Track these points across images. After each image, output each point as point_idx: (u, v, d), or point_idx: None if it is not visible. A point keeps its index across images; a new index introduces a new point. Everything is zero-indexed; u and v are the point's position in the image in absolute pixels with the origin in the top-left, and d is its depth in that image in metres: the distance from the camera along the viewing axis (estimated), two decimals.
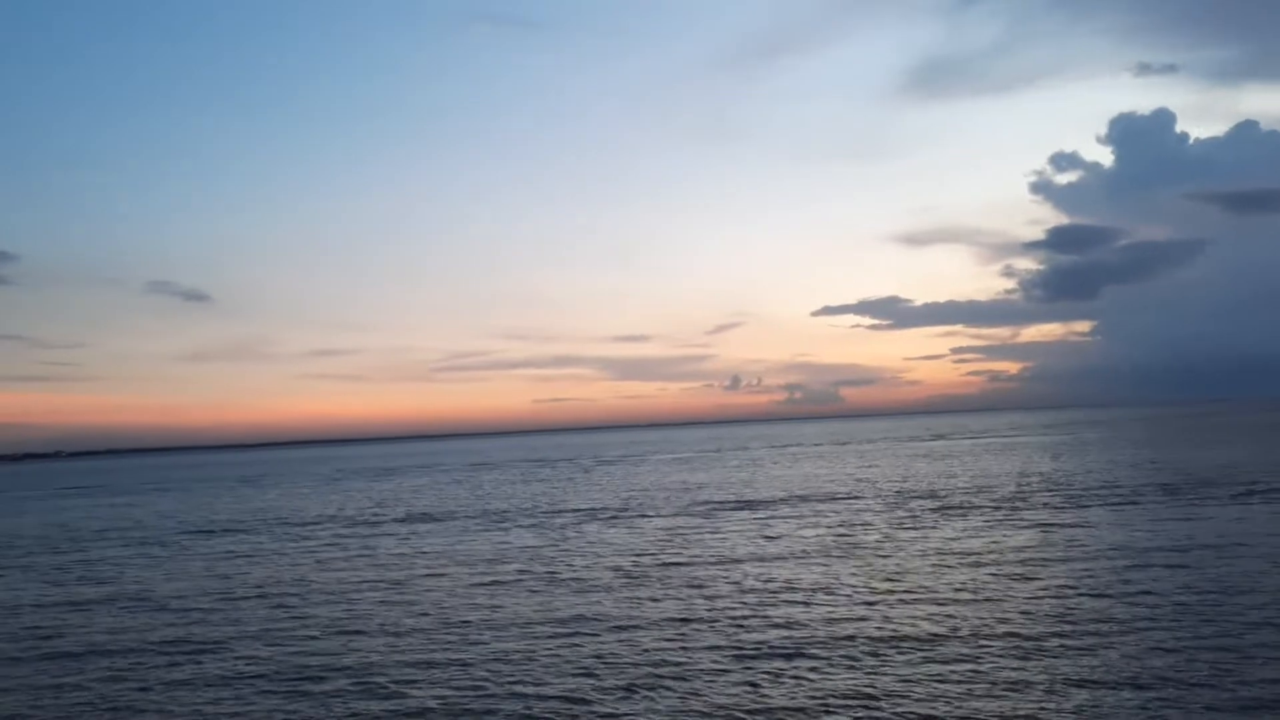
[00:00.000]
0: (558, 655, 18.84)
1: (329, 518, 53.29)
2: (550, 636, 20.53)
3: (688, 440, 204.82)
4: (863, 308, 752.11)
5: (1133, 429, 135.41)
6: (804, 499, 49.53)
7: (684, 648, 18.88)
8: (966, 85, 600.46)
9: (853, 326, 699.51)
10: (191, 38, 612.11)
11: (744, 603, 23.09)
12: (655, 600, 24.06)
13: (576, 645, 19.60)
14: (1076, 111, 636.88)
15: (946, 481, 56.29)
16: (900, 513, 40.80)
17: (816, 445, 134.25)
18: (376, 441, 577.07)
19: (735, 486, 61.11)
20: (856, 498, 48.83)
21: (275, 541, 42.41)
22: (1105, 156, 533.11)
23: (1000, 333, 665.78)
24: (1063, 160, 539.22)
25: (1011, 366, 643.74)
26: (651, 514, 45.82)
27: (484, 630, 21.51)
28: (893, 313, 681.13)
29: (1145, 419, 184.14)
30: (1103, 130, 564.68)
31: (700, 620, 21.33)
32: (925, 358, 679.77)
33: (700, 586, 25.61)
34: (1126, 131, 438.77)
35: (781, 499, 50.24)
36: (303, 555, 36.97)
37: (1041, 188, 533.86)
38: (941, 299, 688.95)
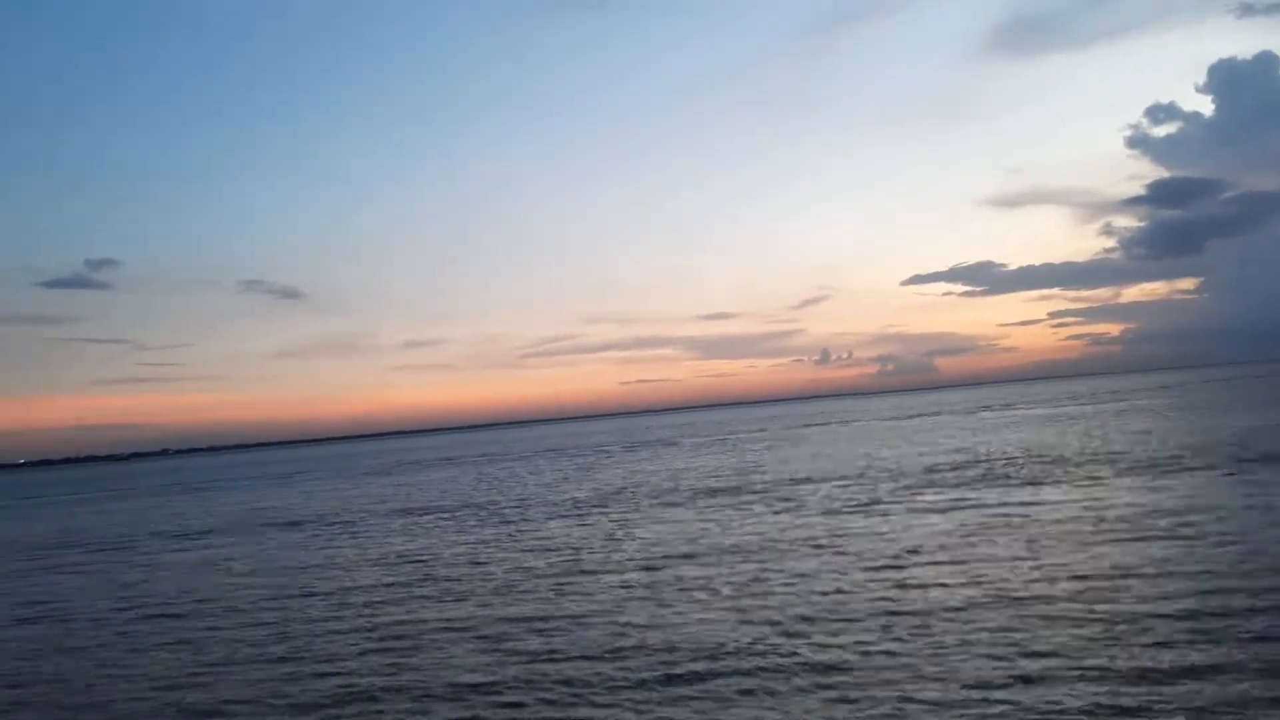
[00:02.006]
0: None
1: (569, 499, 48.41)
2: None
3: (798, 415, 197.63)
4: (954, 274, 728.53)
5: (1250, 387, 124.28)
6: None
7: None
8: (1053, 40, 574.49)
9: (944, 294, 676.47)
10: (268, 42, 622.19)
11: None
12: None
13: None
14: (1172, 61, 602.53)
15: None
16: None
17: (971, 413, 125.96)
18: (471, 429, 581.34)
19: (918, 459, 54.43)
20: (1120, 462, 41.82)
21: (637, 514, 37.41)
22: (1205, 105, 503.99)
23: (1100, 294, 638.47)
24: (1159, 112, 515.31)
25: (1113, 329, 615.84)
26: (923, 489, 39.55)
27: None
28: (986, 278, 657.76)
29: (1259, 376, 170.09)
30: (1201, 79, 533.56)
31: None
32: (1022, 323, 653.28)
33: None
34: (1228, 78, 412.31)
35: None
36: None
37: (1138, 142, 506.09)
38: (1037, 262, 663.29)
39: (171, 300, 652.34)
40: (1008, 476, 40.57)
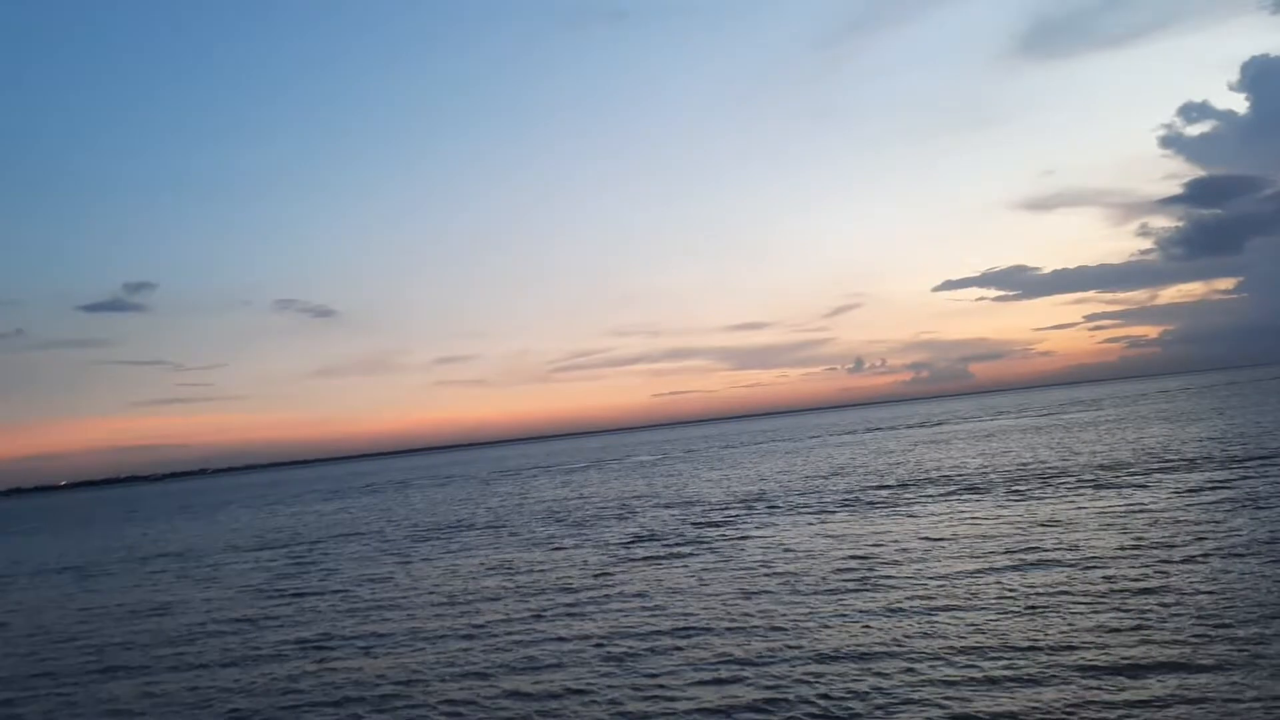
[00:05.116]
0: None
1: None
2: None
3: (840, 424, 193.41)
4: (987, 279, 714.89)
5: None
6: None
7: None
8: (1082, 41, 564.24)
9: (977, 299, 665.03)
10: (299, 67, 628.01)
11: None
12: None
13: None
14: (1203, 59, 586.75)
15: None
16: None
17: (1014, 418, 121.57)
18: (505, 444, 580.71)
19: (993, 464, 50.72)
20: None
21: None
22: (1239, 103, 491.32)
23: (1137, 296, 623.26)
24: (1192, 111, 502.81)
25: (1151, 330, 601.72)
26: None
27: None
28: (1019, 282, 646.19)
29: None
30: (1234, 76, 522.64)
31: None
32: (1057, 327, 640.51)
33: None
34: (1261, 74, 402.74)
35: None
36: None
37: (1172, 141, 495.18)
38: (1071, 265, 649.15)
39: (207, 321, 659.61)
40: None
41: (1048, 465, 45.51)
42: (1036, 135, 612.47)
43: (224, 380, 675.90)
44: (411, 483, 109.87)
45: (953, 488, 39.91)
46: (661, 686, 15.17)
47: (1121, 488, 34.09)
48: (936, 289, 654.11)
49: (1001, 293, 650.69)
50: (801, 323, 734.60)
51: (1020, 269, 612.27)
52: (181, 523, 78.11)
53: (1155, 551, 21.91)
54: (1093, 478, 38.12)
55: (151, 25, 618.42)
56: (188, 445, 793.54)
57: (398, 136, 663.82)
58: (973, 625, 16.86)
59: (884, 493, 40.65)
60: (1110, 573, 20.06)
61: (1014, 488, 37.43)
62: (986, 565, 22.27)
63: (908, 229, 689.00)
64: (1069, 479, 38.50)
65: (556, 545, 34.37)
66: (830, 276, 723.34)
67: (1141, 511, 27.94)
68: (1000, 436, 76.49)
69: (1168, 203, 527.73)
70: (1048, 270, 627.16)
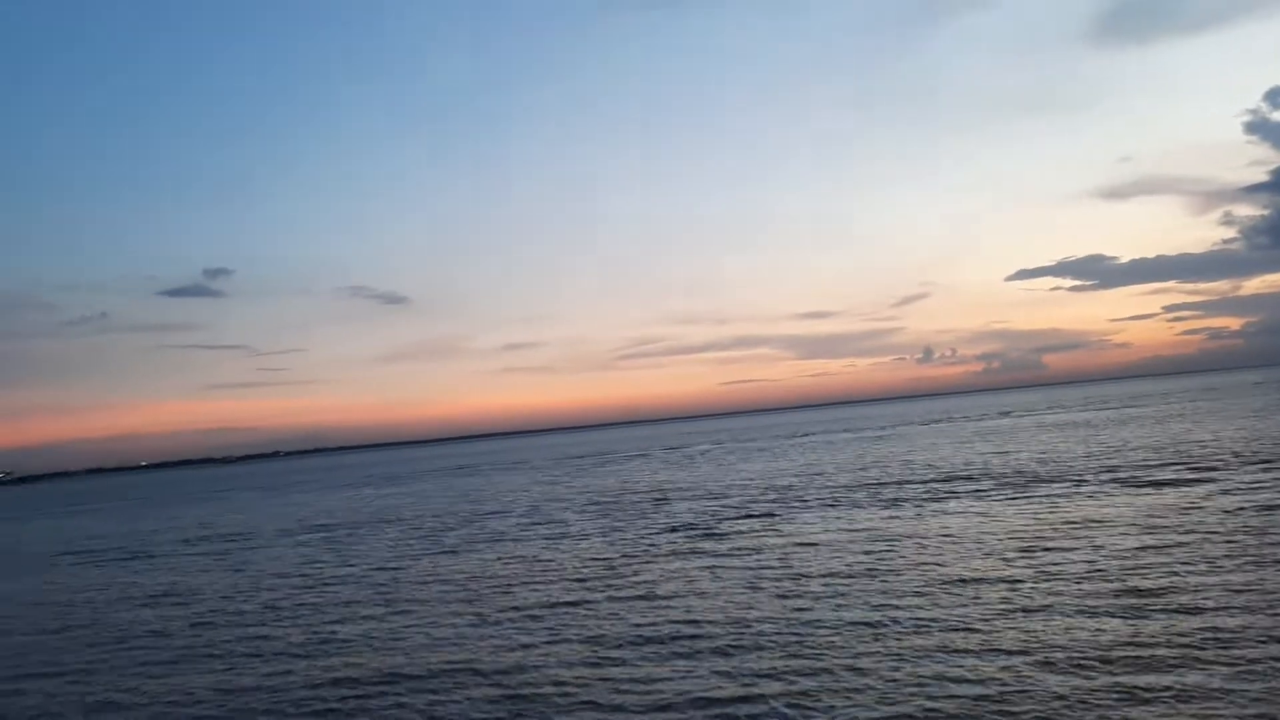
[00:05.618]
0: None
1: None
2: None
3: (907, 414, 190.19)
4: (1062, 269, 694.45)
5: None
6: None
7: None
8: (1163, 24, 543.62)
9: (1052, 289, 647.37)
10: (372, 55, 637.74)
11: None
12: None
13: None
14: None
15: None
16: None
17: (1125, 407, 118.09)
18: (568, 430, 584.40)
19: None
20: None
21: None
22: None
23: (1219, 286, 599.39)
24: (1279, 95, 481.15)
25: (1233, 322, 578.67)
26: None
27: None
28: (1096, 272, 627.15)
29: None
30: None
31: None
32: (1134, 318, 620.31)
33: None
34: None
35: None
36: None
37: (1258, 127, 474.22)
38: (1150, 254, 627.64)
39: (282, 307, 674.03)
40: None
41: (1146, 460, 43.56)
42: (1114, 121, 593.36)
43: (297, 365, 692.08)
44: (467, 469, 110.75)
45: (1009, 483, 38.39)
46: (642, 683, 14.45)
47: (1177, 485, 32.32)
48: (1009, 278, 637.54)
49: (1077, 282, 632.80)
50: (870, 311, 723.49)
51: (1097, 258, 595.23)
52: (243, 505, 79.77)
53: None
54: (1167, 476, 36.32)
55: (235, 21, 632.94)
56: (261, 429, 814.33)
57: (463, 128, 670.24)
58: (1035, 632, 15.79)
59: (920, 489, 39.29)
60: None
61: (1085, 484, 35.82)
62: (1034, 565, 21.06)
63: (980, 217, 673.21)
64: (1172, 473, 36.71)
65: (584, 535, 33.90)
66: (900, 265, 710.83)
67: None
68: (1081, 428, 73.94)
69: (1252, 190, 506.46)
70: (1125, 259, 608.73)
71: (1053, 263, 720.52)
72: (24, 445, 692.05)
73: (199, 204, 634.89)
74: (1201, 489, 31.21)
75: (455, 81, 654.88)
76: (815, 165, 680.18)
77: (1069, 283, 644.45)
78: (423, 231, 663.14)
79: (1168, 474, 36.29)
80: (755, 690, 13.97)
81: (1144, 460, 42.35)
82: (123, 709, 16.39)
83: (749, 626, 17.79)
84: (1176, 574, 18.96)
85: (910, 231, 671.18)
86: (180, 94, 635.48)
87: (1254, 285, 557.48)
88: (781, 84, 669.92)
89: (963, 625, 16.51)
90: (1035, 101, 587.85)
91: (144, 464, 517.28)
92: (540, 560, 28.88)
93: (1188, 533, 23.47)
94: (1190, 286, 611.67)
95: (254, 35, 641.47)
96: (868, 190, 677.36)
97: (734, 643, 16.73)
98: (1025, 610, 17.13)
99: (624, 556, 27.89)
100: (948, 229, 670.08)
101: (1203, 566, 19.43)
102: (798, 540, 27.98)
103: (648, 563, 26.38)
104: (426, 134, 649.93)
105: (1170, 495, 30.52)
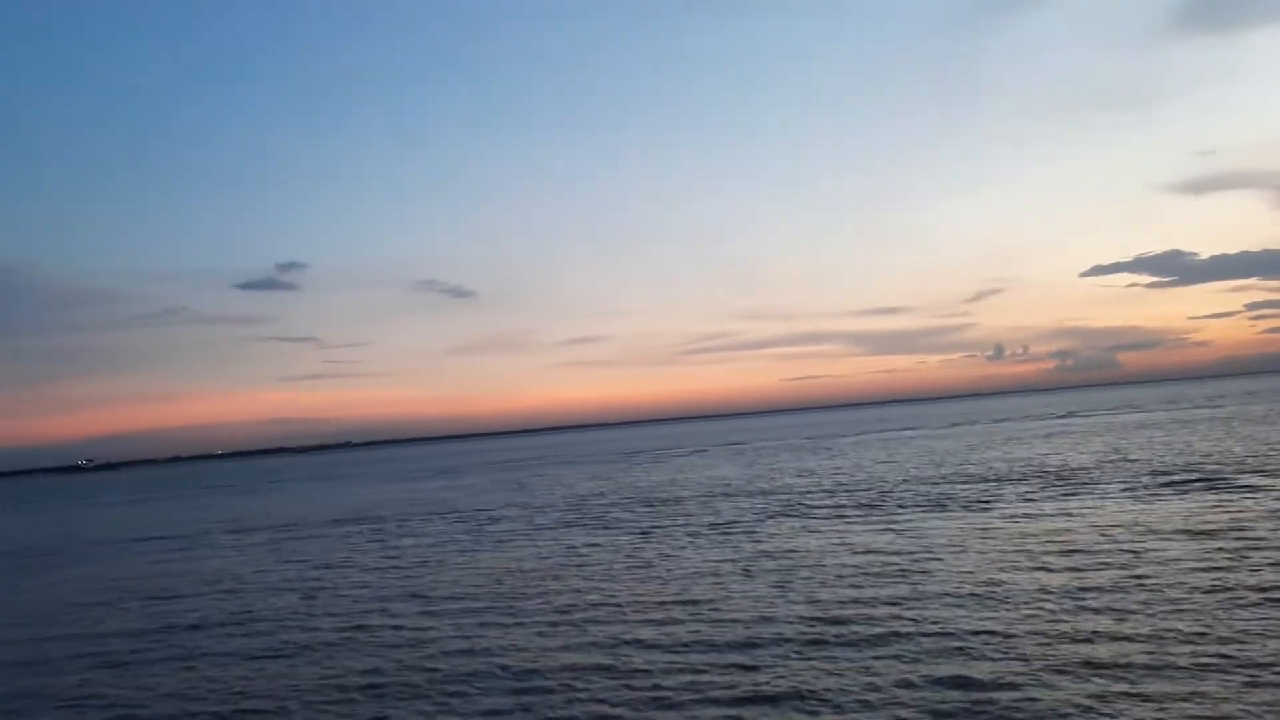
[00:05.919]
0: None
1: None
2: None
3: (973, 412, 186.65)
4: (1139, 265, 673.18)
5: None
6: None
7: None
8: (1245, 12, 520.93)
9: (1129, 286, 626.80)
10: (442, 59, 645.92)
11: None
12: None
13: None
14: None
15: None
16: None
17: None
18: (632, 425, 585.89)
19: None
20: None
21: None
22: None
23: None
24: None
25: None
26: None
27: None
28: (1175, 268, 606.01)
29: None
30: None
31: None
32: (1215, 316, 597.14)
33: None
34: None
35: None
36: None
37: None
38: (1232, 250, 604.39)
39: (353, 300, 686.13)
40: None
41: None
42: (1195, 114, 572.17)
43: (368, 357, 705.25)
44: (525, 463, 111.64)
45: (1063, 484, 37.40)
46: (659, 684, 14.35)
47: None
48: (1084, 274, 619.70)
49: (1155, 279, 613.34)
50: (941, 308, 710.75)
51: (1176, 254, 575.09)
52: (304, 494, 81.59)
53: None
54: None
55: (307, 27, 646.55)
56: (332, 419, 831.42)
57: (530, 125, 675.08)
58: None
59: (972, 490, 38.44)
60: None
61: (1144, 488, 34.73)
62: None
63: (1054, 212, 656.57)
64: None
65: (626, 531, 33.91)
66: (972, 261, 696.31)
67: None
68: (1161, 428, 71.76)
69: None
70: (1206, 256, 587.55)
71: (1129, 259, 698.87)
72: (105, 434, 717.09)
73: (274, 199, 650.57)
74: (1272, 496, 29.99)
75: (524, 82, 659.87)
76: (882, 159, 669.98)
77: (1146, 279, 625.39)
78: (490, 227, 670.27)
79: (1246, 479, 34.98)
80: (772, 692, 13.84)
81: (1215, 464, 40.88)
82: (141, 705, 16.84)
83: (770, 627, 17.58)
84: (1220, 584, 18.23)
85: (983, 226, 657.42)
86: (261, 96, 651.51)
87: None
88: (855, 82, 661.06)
89: (984, 630, 16.11)
90: (1113, 93, 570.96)
91: (220, 453, 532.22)
92: (578, 556, 28.98)
93: (1239, 540, 22.57)
94: (1274, 284, 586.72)
95: (326, 40, 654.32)
96: (937, 184, 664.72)
97: (754, 644, 16.55)
98: (1053, 615, 16.63)
99: (661, 556, 27.79)
100: (1021, 224, 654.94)
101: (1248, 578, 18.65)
102: (837, 542, 27.60)
103: (683, 562, 26.26)
104: (494, 131, 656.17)
105: (1242, 500, 29.39)
